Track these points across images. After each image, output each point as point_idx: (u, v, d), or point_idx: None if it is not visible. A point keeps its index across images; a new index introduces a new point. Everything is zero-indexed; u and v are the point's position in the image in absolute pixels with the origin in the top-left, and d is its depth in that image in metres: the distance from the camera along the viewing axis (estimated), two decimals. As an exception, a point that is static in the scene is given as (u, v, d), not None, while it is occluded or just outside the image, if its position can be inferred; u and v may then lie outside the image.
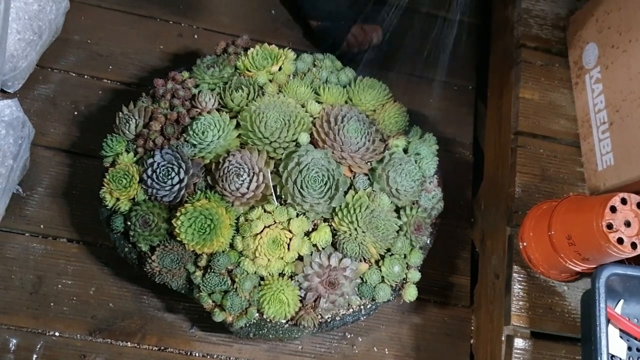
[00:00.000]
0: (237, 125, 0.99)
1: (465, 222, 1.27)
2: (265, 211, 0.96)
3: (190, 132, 0.97)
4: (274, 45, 1.08)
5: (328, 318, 0.99)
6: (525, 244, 1.04)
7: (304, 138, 0.99)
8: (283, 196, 0.96)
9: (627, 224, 0.87)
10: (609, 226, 0.86)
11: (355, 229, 0.96)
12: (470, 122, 1.35)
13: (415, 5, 1.43)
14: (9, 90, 1.16)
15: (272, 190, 0.96)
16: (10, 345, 1.05)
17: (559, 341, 1.04)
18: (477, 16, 1.44)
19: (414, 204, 1.03)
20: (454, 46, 1.40)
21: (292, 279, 0.96)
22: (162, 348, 1.09)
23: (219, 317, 0.96)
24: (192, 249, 0.94)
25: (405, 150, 1.05)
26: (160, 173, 0.94)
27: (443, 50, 1.40)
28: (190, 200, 0.94)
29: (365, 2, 1.35)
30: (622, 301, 0.95)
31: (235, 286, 0.94)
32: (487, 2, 1.43)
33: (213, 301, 0.96)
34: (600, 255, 0.90)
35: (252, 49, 1.07)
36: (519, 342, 1.02)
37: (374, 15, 1.35)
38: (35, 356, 1.05)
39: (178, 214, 0.93)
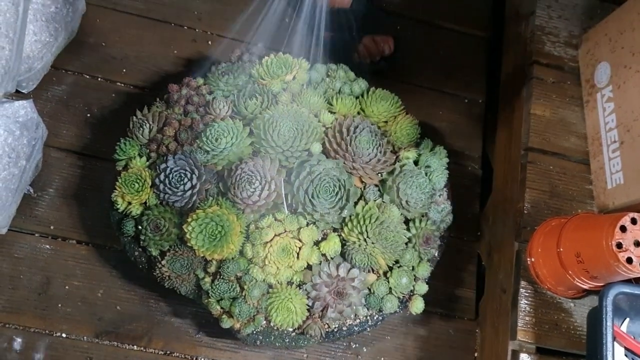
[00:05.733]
0: (250, 133, 1.00)
1: (472, 236, 1.27)
2: (275, 219, 0.96)
3: (204, 139, 0.97)
4: (288, 55, 1.08)
5: (335, 328, 0.99)
6: (533, 259, 1.05)
7: (316, 148, 0.99)
8: (294, 205, 0.97)
9: (637, 243, 0.87)
10: (619, 245, 0.87)
11: (365, 240, 0.96)
12: (480, 135, 1.35)
13: (427, 17, 1.44)
14: (23, 91, 1.16)
15: (283, 199, 0.97)
16: (16, 344, 1.05)
17: (564, 357, 1.04)
18: (489, 30, 1.45)
19: (423, 216, 1.03)
20: (465, 59, 1.41)
21: (300, 288, 0.97)
22: (168, 352, 1.09)
23: (226, 323, 0.96)
24: (202, 255, 0.94)
25: (416, 163, 1.05)
26: (172, 178, 0.95)
27: (454, 62, 1.41)
28: (202, 206, 0.95)
29: (377, 13, 1.36)
30: (628, 320, 0.95)
31: (243, 293, 0.95)
32: (500, 17, 1.44)
33: (221, 307, 0.96)
34: (609, 273, 0.91)
35: (266, 58, 1.07)
36: (524, 358, 1.03)
37: (385, 26, 1.36)
38: (40, 356, 1.05)
39: (189, 219, 0.93)
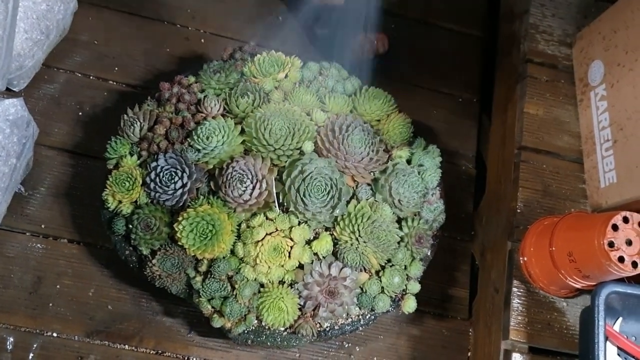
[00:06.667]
0: (242, 132, 0.99)
1: (466, 235, 1.27)
2: (267, 218, 0.96)
3: (195, 137, 0.97)
4: (280, 53, 1.08)
5: (327, 327, 0.99)
6: (525, 259, 1.04)
7: (308, 146, 0.99)
8: (285, 204, 0.96)
9: (629, 242, 0.87)
10: (611, 244, 0.86)
11: (357, 239, 0.96)
12: (474, 135, 1.35)
13: (421, 16, 1.44)
14: (14, 89, 1.16)
15: (275, 198, 0.96)
16: (7, 344, 1.05)
17: (557, 357, 1.04)
18: (483, 29, 1.45)
19: (415, 215, 1.03)
20: (460, 58, 1.41)
21: (292, 287, 0.96)
22: (160, 352, 1.09)
23: (217, 322, 0.96)
24: (193, 254, 0.94)
25: (409, 162, 1.05)
26: (163, 177, 0.94)
27: (449, 61, 1.41)
28: (193, 205, 0.94)
29: (372, 11, 1.36)
30: (620, 319, 0.95)
31: (235, 292, 0.94)
32: (494, 16, 1.43)
33: (212, 307, 0.96)
34: (601, 273, 0.90)
35: (258, 56, 1.07)
36: (516, 357, 1.02)
37: (380, 24, 1.36)
38: (31, 356, 1.05)
39: (180, 218, 0.93)
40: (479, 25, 1.45)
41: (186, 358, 1.09)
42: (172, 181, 0.94)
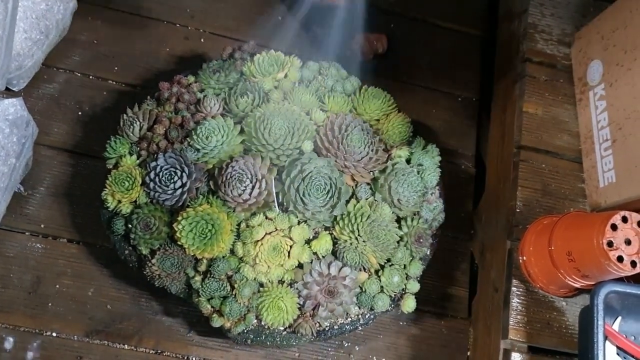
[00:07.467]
0: (241, 131, 0.99)
1: (465, 234, 1.27)
2: (266, 218, 0.96)
3: (194, 137, 0.97)
4: (280, 52, 1.08)
5: (326, 326, 0.99)
6: (524, 258, 1.05)
7: (308, 146, 0.99)
8: (285, 203, 0.97)
9: (628, 242, 0.87)
10: (610, 244, 0.86)
11: (356, 238, 0.96)
12: (473, 134, 1.35)
13: (421, 15, 1.43)
14: (13, 89, 1.16)
15: (274, 197, 0.96)
16: (7, 344, 1.05)
17: (556, 356, 1.04)
18: (482, 29, 1.45)
19: (415, 214, 1.03)
20: (459, 58, 1.41)
21: (291, 287, 0.96)
22: (159, 351, 1.09)
23: (217, 322, 0.96)
24: (192, 254, 0.94)
25: (408, 161, 1.05)
26: (163, 177, 0.95)
27: (448, 61, 1.40)
28: (192, 205, 0.94)
29: (370, 11, 1.36)
30: (619, 318, 0.95)
31: (234, 292, 0.94)
32: (493, 15, 1.43)
33: (212, 306, 0.96)
34: (600, 272, 0.91)
35: (258, 55, 1.07)
36: (516, 357, 1.02)
37: (379, 24, 1.36)
38: (31, 355, 1.05)
39: (179, 218, 0.93)
40: (478, 25, 1.45)
41: (186, 357, 1.09)
42: (172, 181, 0.94)
